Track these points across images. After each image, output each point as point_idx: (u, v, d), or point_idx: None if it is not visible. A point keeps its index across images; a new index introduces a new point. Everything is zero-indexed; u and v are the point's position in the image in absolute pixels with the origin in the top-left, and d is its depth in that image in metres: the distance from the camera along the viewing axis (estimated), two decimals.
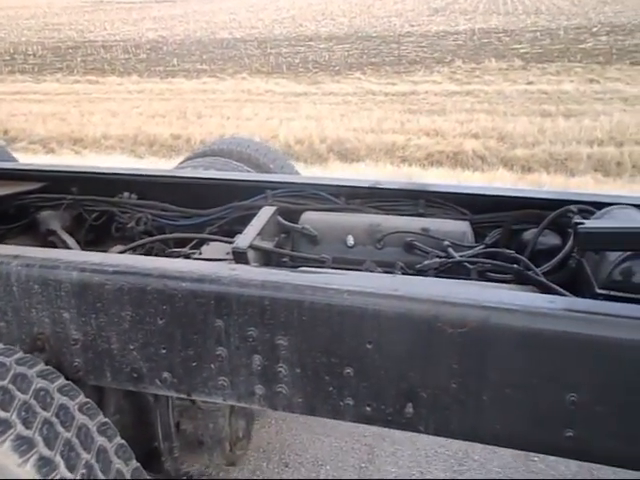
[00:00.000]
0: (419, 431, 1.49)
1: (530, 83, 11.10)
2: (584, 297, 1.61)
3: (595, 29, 19.74)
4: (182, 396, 1.68)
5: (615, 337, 1.32)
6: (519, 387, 1.39)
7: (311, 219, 2.15)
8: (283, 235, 2.16)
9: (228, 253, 1.94)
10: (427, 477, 2.38)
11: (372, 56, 16.87)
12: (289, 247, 2.14)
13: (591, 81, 11.08)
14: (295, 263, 1.99)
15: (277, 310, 1.52)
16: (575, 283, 1.74)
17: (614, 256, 1.62)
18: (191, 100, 11.90)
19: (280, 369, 1.54)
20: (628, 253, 1.60)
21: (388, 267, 1.93)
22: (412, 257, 1.96)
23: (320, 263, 1.93)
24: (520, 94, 10.22)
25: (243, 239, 1.90)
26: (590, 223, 1.56)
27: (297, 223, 2.14)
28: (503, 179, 6.08)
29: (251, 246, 1.90)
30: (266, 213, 2.15)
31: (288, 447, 2.60)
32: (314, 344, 1.51)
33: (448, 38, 19.31)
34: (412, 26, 23.24)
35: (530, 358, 1.37)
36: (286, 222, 2.15)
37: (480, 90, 10.59)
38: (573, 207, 1.96)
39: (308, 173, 6.78)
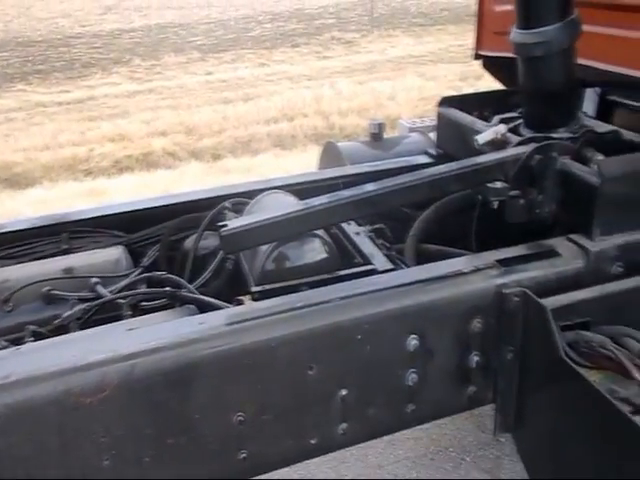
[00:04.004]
0: None
1: (209, 73, 11.39)
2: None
3: (260, 17, 21.48)
4: None
5: (265, 339, 1.24)
6: (183, 429, 1.21)
7: None
8: None
9: None
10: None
11: (38, 63, 14.92)
12: None
13: (262, 65, 12.01)
14: None
15: None
16: (236, 285, 1.65)
17: (265, 247, 1.57)
18: None
19: None
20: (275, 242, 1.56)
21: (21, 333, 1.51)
22: (54, 310, 1.59)
23: None
24: (201, 85, 10.39)
25: None
26: (232, 224, 1.44)
27: None
28: (195, 171, 6.06)
29: None
30: None
31: None
32: None
33: (124, 36, 18.44)
34: (83, 26, 21.45)
35: (188, 392, 1.20)
36: None
37: (162, 86, 10.38)
38: (227, 203, 1.89)
39: None
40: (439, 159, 2.23)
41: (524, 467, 1.42)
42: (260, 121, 7.89)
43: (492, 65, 2.87)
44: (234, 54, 13.55)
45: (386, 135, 2.73)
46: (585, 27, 2.19)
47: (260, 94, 9.37)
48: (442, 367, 1.39)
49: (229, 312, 1.33)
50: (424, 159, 2.30)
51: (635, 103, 2.16)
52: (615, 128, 1.89)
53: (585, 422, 1.23)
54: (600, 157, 1.72)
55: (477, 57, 3.05)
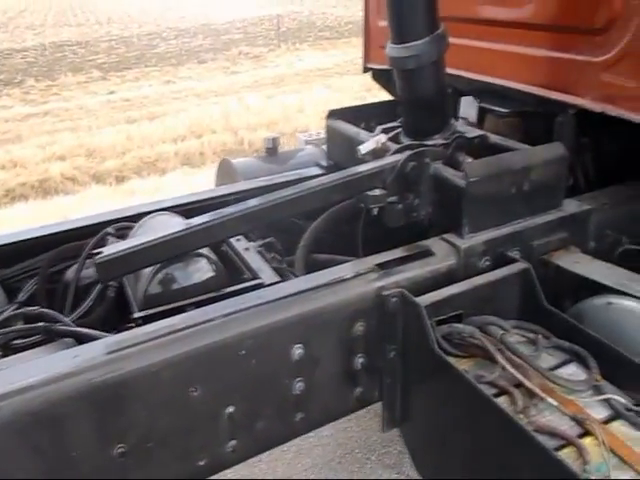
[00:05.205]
0: None
1: (111, 92, 10.99)
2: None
3: (165, 34, 21.10)
4: None
5: (145, 365, 1.21)
6: (58, 469, 1.15)
7: None
8: None
9: None
10: None
11: None
12: None
13: (168, 82, 11.77)
14: None
15: None
16: (123, 312, 1.60)
17: (148, 271, 1.54)
18: None
19: None
20: (159, 265, 1.54)
21: None
22: None
23: None
24: (103, 105, 9.99)
25: None
26: (107, 250, 1.40)
27: None
28: (97, 195, 5.82)
29: None
30: None
31: None
32: None
33: (15, 56, 17.40)
34: None
35: (62, 430, 1.14)
36: None
37: (60, 108, 9.86)
38: (111, 229, 1.84)
39: None
40: (330, 170, 2.30)
41: (411, 460, 1.48)
42: (167, 140, 7.71)
43: (381, 77, 3.01)
44: (138, 72, 13.18)
45: (282, 149, 2.78)
46: (457, 40, 2.37)
47: (166, 112, 9.17)
48: (328, 372, 1.42)
49: (107, 341, 1.28)
50: (315, 171, 2.36)
51: (500, 109, 2.35)
52: (483, 133, 2.04)
53: (458, 409, 1.31)
54: (469, 160, 1.85)
55: (366, 70, 3.19)
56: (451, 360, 1.34)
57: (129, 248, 1.38)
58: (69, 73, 13.25)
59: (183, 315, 1.38)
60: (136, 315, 1.44)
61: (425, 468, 1.47)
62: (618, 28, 1.84)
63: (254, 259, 1.72)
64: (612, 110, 1.87)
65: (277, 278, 1.62)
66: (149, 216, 1.81)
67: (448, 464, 1.38)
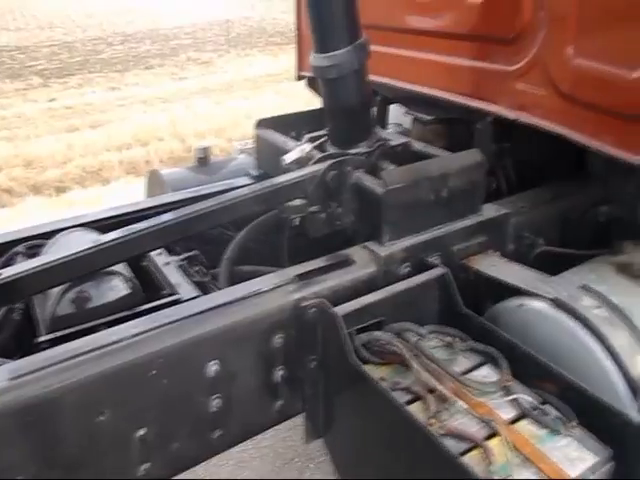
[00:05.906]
0: None
1: (52, 100, 10.58)
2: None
3: (110, 39, 20.53)
4: None
5: (47, 391, 1.16)
6: None
7: None
8: None
9: None
10: None
11: None
12: None
13: (113, 89, 11.45)
14: None
15: None
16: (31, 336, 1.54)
17: (57, 291, 1.49)
18: None
19: None
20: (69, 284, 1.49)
21: None
22: None
23: None
24: (43, 113, 9.61)
25: None
26: (6, 272, 1.34)
27: None
28: (36, 207, 5.60)
29: None
30: None
31: None
32: None
33: None
34: None
35: None
36: None
37: None
38: (21, 247, 1.76)
39: None
40: (260, 179, 2.28)
41: (336, 470, 1.49)
42: (111, 148, 7.47)
43: (315, 85, 3.02)
44: (81, 78, 12.75)
45: (214, 159, 2.74)
46: (383, 48, 2.40)
47: (111, 119, 8.91)
48: (247, 387, 1.41)
49: (5, 368, 1.22)
50: (245, 180, 2.35)
51: (424, 116, 2.40)
52: (407, 140, 2.08)
53: (373, 417, 1.32)
54: (392, 168, 1.88)
55: (300, 78, 3.20)
56: (367, 368, 1.36)
57: (31, 268, 1.33)
58: (7, 80, 12.69)
59: (90, 337, 1.33)
60: (42, 339, 1.39)
61: (348, 477, 1.47)
62: (528, 38, 1.91)
63: (174, 274, 1.69)
64: (525, 117, 1.94)
65: (196, 293, 1.59)
66: (62, 233, 1.75)
67: (369, 472, 1.39)
